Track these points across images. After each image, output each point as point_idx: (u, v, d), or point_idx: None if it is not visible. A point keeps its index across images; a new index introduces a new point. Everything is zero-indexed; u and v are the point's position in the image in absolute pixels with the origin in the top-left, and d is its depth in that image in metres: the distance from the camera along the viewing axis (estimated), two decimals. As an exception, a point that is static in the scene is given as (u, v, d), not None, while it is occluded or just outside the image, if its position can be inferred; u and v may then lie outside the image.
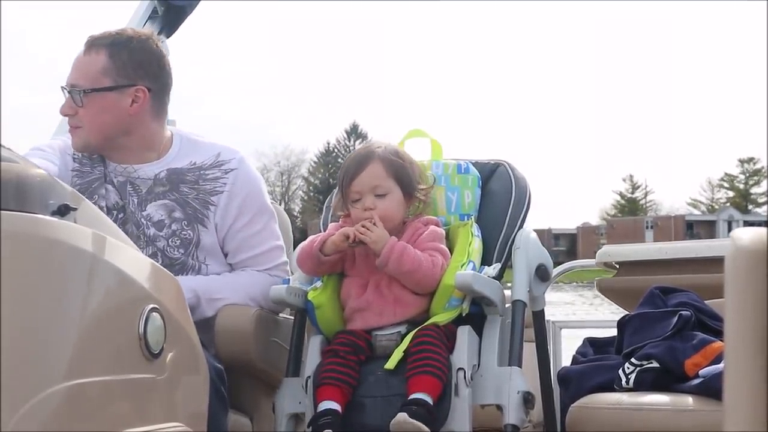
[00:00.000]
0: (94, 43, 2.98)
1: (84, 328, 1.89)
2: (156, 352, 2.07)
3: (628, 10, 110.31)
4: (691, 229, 69.69)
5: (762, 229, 1.88)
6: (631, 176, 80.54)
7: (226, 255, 3.05)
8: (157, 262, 2.88)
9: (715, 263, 3.50)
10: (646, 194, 79.27)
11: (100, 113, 2.95)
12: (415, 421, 2.58)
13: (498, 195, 3.10)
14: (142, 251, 2.87)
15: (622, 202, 79.37)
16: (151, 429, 2.03)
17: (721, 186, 78.85)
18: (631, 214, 76.76)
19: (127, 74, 2.95)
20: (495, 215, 3.07)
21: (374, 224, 2.87)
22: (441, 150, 3.18)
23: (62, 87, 3.00)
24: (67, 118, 3.08)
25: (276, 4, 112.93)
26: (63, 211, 1.93)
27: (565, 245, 73.97)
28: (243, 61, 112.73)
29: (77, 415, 1.83)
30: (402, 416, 2.59)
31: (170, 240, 2.98)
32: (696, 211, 77.32)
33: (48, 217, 1.88)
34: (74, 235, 1.91)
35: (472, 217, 3.06)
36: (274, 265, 3.07)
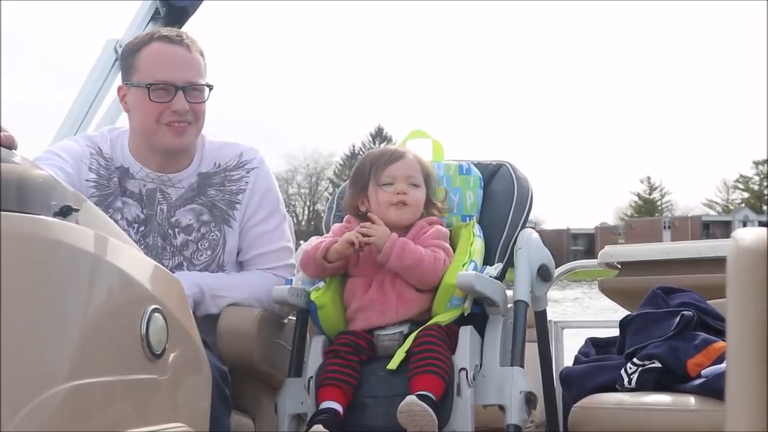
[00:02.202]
0: (181, 41, 2.98)
1: (86, 328, 1.89)
2: (158, 353, 2.07)
3: (647, 10, 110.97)
4: (708, 229, 70.12)
5: (763, 230, 1.88)
6: (649, 178, 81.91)
7: (238, 252, 3.06)
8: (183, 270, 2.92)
9: (717, 263, 3.50)
10: (662, 195, 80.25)
11: (203, 112, 3.01)
12: (423, 403, 2.59)
13: (500, 196, 3.11)
14: (168, 262, 2.91)
15: (639, 202, 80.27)
16: (153, 429, 2.03)
17: (736, 187, 79.94)
18: (648, 214, 77.93)
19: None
20: (497, 216, 3.07)
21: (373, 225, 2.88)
22: (442, 151, 3.19)
23: (168, 84, 2.95)
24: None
25: (300, 5, 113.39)
26: (65, 212, 1.93)
27: (584, 245, 74.50)
28: (254, 60, 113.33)
29: (79, 415, 1.83)
30: (411, 398, 2.61)
31: (200, 243, 3.00)
32: (712, 212, 78.23)
33: (50, 218, 1.89)
34: (76, 236, 1.91)
35: (474, 217, 3.06)
36: (281, 265, 3.08)
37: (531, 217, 3.13)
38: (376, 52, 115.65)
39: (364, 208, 2.99)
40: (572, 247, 71.82)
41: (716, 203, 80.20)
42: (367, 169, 3.00)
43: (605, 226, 77.96)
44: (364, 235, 2.87)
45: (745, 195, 78.78)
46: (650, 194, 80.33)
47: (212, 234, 3.01)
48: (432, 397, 2.66)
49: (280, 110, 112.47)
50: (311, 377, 2.82)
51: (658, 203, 79.97)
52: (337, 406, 2.72)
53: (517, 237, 3.01)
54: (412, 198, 2.95)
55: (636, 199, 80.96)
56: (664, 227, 71.60)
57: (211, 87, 3.00)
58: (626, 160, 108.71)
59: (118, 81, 4.37)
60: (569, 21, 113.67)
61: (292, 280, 2.97)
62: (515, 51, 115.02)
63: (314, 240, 3.01)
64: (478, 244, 2.96)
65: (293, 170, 69.20)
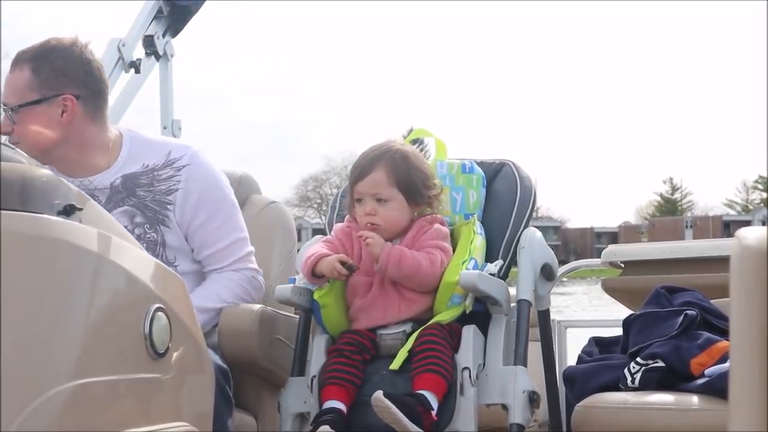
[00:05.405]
0: (18, 59, 2.96)
1: (89, 327, 1.89)
2: (161, 352, 2.07)
3: (669, 8, 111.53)
4: (728, 228, 70.66)
5: (766, 229, 1.88)
6: (671, 179, 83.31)
7: (192, 251, 3.02)
8: None
9: (720, 263, 3.50)
10: (684, 196, 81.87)
11: (33, 128, 2.93)
12: (387, 401, 2.58)
13: (503, 195, 3.10)
14: None
15: (662, 202, 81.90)
16: (157, 428, 2.04)
17: (756, 187, 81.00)
18: (669, 213, 79.28)
19: (51, 85, 2.93)
20: (500, 215, 3.07)
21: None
22: (445, 149, 3.18)
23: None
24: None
25: (325, 5, 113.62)
26: (68, 211, 1.93)
27: (608, 243, 75.38)
28: (273, 61, 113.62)
29: (83, 414, 1.83)
30: (377, 394, 2.60)
31: None
32: (732, 212, 79.49)
33: (53, 217, 1.89)
34: (79, 235, 1.91)
35: (474, 215, 3.06)
36: (236, 258, 3.02)
37: (555, 216, 3.13)
38: (401, 57, 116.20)
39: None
40: (596, 245, 72.90)
41: (736, 203, 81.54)
42: (350, 179, 2.99)
43: (628, 225, 79.51)
44: (365, 237, 2.85)
45: (764, 195, 79.63)
46: (672, 194, 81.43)
47: (148, 235, 2.95)
48: (430, 397, 2.66)
49: (312, 113, 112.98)
50: (314, 376, 2.82)
51: (679, 203, 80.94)
52: (341, 406, 2.72)
53: (520, 236, 3.00)
54: (381, 217, 2.91)
55: (658, 198, 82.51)
56: (686, 226, 73.46)
57: (23, 105, 2.92)
58: (647, 160, 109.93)
59: (121, 80, 4.39)
60: (594, 20, 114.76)
61: (295, 279, 2.97)
62: (543, 53, 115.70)
63: (316, 241, 3.01)
64: (479, 242, 2.95)
65: (329, 171, 71.09)
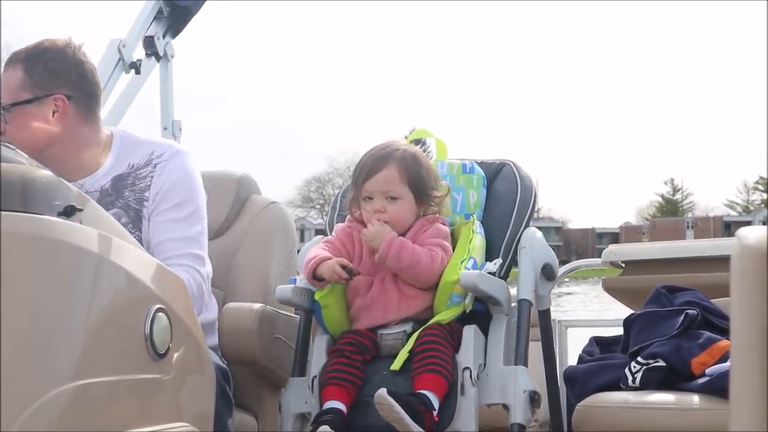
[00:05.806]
0: (11, 60, 2.95)
1: (90, 328, 1.89)
2: (162, 353, 2.07)
3: (670, 9, 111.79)
4: (729, 229, 70.98)
5: (766, 229, 1.88)
6: (672, 179, 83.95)
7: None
8: None
9: (721, 262, 3.50)
10: (684, 196, 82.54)
11: (25, 127, 2.89)
12: (390, 399, 2.58)
13: (503, 195, 3.10)
14: None
15: (663, 202, 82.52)
16: (157, 429, 2.04)
17: (756, 188, 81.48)
18: (670, 214, 79.92)
19: (44, 85, 2.90)
20: (500, 215, 3.07)
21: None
22: (446, 150, 3.18)
23: None
24: None
25: (325, 5, 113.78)
26: (69, 212, 1.94)
27: (608, 244, 75.76)
28: (273, 62, 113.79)
29: (83, 415, 1.83)
30: (381, 391, 2.60)
31: None
32: (733, 212, 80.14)
33: (54, 218, 1.89)
34: (80, 236, 1.92)
35: (474, 214, 3.06)
36: (187, 254, 2.90)
37: (557, 216, 3.13)
38: (402, 57, 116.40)
39: (357, 215, 2.99)
40: (597, 245, 73.50)
41: (737, 204, 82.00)
42: (355, 179, 2.99)
43: (630, 226, 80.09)
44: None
45: (765, 196, 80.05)
46: (673, 195, 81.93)
47: (133, 235, 2.86)
48: (432, 397, 2.66)
49: (312, 113, 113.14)
50: (315, 376, 2.82)
51: (680, 204, 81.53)
52: (342, 406, 2.72)
53: (520, 236, 3.01)
54: (390, 215, 2.91)
55: (659, 199, 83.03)
56: (687, 227, 74.16)
57: (15, 104, 2.89)
58: (648, 161, 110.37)
59: (121, 81, 4.39)
60: (594, 20, 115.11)
61: (296, 279, 2.97)
62: (543, 53, 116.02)
63: (316, 242, 3.01)
64: (478, 241, 2.95)
65: (332, 172, 71.68)
